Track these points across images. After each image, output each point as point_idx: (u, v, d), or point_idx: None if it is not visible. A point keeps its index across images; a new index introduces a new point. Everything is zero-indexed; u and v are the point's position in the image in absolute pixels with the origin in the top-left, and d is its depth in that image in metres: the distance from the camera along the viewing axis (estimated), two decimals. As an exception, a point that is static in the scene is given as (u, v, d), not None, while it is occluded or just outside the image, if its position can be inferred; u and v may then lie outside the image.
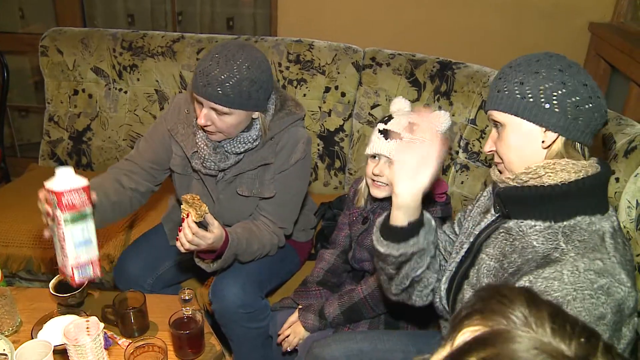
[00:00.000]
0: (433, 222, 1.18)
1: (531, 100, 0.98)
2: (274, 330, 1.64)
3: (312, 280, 1.64)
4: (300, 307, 1.57)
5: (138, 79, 2.40)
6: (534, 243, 0.98)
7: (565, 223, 0.96)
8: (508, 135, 1.03)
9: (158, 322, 1.46)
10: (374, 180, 1.49)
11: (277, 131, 1.55)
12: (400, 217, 1.09)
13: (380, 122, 1.50)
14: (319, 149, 2.31)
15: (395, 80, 2.19)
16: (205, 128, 1.47)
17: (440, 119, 1.49)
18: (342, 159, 2.31)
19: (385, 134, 1.44)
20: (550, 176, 0.98)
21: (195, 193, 1.54)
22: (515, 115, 1.00)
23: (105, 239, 1.98)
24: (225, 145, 1.52)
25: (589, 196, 0.97)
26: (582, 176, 0.97)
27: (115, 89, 2.43)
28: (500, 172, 1.09)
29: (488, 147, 1.08)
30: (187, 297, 1.41)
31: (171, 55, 2.36)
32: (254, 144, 1.52)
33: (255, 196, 1.60)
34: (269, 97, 1.51)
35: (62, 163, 2.52)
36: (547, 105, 0.97)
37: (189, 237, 1.34)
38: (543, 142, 1.00)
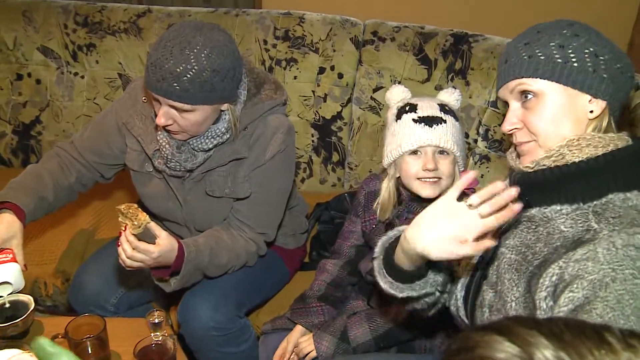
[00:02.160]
0: None
1: (575, 65, 0.94)
2: (264, 356, 1.53)
3: (313, 295, 1.54)
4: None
5: (97, 61, 2.22)
6: (562, 227, 0.93)
7: (595, 202, 0.92)
8: (545, 105, 0.97)
9: (121, 352, 1.36)
10: (420, 179, 1.39)
11: (251, 120, 1.45)
12: (404, 260, 1.03)
13: (403, 113, 1.41)
14: (313, 141, 2.15)
15: (401, 57, 2.02)
16: (166, 128, 1.37)
17: (450, 97, 1.47)
18: (341, 152, 2.15)
19: (426, 121, 1.37)
20: (574, 153, 0.94)
21: (157, 193, 1.53)
22: (556, 82, 0.95)
23: (59, 253, 1.81)
24: (191, 142, 1.42)
25: (622, 170, 0.93)
26: (611, 149, 0.93)
27: (70, 73, 2.24)
28: (519, 156, 1.04)
29: (509, 124, 1.01)
30: (156, 320, 1.32)
31: (136, 33, 2.17)
32: (224, 137, 1.43)
33: (228, 197, 1.49)
34: (239, 84, 1.41)
35: (5, 162, 2.33)
36: (595, 71, 0.94)
37: (128, 252, 1.27)
38: (591, 111, 0.96)
